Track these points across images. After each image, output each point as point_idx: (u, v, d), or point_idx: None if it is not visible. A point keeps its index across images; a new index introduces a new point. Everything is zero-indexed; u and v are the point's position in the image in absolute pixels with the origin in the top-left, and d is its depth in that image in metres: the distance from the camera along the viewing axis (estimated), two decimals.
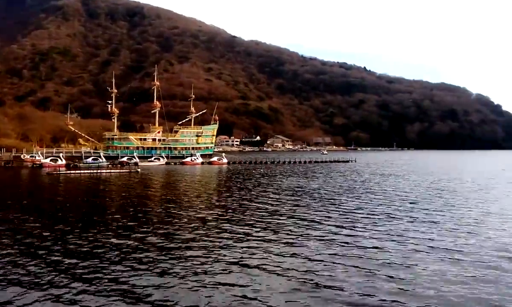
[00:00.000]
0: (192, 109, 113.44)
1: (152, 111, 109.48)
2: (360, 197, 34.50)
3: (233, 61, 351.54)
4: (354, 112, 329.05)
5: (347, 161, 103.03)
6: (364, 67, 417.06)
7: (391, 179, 53.86)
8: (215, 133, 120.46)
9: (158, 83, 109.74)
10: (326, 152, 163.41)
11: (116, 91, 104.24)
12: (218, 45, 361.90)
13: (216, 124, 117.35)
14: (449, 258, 16.07)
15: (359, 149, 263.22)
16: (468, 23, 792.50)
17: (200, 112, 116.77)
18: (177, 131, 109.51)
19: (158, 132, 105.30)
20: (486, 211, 27.53)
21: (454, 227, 22.06)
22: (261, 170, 69.24)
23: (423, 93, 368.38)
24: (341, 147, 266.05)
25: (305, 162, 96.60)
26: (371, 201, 32.11)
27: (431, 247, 17.82)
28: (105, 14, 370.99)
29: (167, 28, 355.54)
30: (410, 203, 31.14)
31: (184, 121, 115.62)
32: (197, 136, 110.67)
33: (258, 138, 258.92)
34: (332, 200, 32.10)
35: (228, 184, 46.46)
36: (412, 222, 23.48)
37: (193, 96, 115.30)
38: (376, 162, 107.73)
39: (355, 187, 42.39)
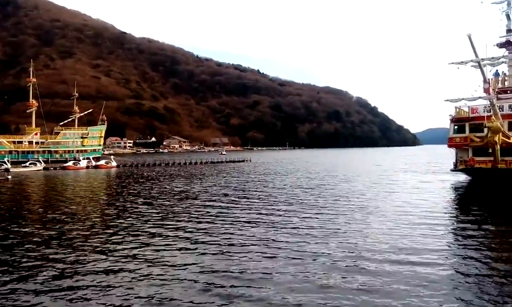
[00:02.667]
0: (76, 108, 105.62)
1: (28, 111, 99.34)
2: (236, 199, 34.89)
3: (124, 58, 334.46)
4: (249, 113, 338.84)
5: (243, 161, 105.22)
6: (258, 70, 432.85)
7: (277, 177, 56.14)
8: (103, 134, 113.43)
9: (34, 80, 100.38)
10: (225, 153, 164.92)
11: None
12: (106, 41, 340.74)
13: (104, 124, 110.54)
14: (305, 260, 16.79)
15: (255, 149, 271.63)
16: (347, 31, 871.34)
17: (85, 112, 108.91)
18: (59, 132, 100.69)
19: (36, 134, 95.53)
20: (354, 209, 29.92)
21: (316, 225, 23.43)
22: (153, 173, 66.68)
23: (311, 95, 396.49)
24: (238, 147, 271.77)
25: (200, 163, 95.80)
26: (249, 201, 32.73)
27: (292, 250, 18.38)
28: None
29: (46, 20, 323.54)
30: (292, 201, 32.55)
31: (66, 121, 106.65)
32: (82, 137, 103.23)
33: (153, 139, 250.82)
34: (208, 204, 31.59)
35: (110, 190, 43.59)
36: (279, 219, 24.34)
37: (77, 94, 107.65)
38: (268, 161, 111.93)
39: (239, 188, 43.04)
